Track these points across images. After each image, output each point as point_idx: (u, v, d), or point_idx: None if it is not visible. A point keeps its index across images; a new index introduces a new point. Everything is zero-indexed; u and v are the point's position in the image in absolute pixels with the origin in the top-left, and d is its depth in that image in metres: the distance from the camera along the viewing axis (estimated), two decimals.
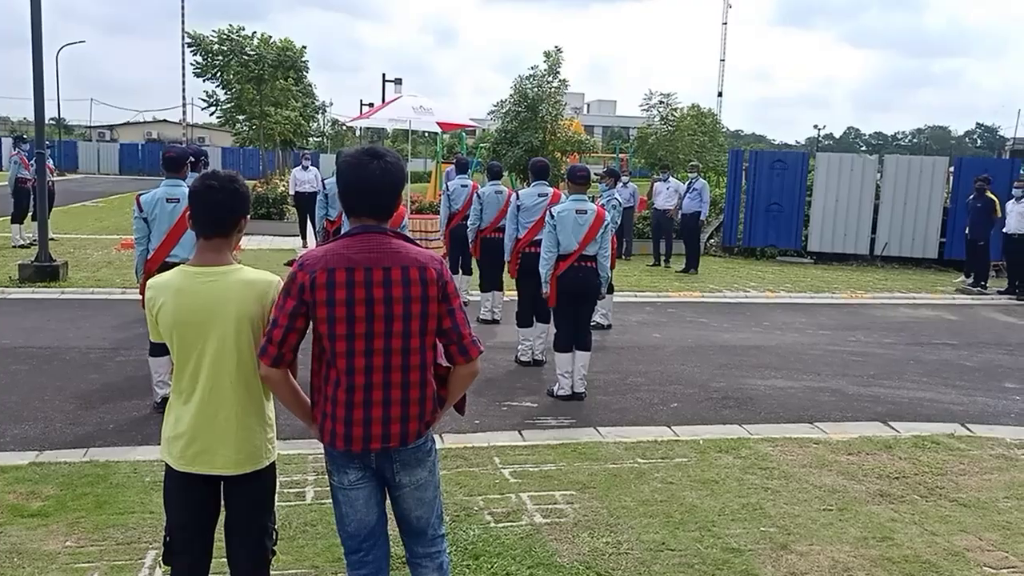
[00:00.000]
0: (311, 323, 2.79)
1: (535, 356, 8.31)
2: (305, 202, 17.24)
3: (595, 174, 13.26)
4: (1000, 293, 14.34)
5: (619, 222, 12.77)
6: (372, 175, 2.80)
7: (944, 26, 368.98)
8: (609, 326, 9.97)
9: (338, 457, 2.90)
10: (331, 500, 3.02)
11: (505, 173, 13.19)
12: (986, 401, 7.70)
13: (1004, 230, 14.24)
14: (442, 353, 2.94)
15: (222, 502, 3.08)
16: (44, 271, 11.78)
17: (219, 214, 2.93)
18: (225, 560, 3.10)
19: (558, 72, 19.40)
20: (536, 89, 19.03)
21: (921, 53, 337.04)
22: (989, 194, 14.55)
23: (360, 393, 2.79)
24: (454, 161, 13.60)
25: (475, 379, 3.06)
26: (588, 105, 71.42)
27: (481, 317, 9.93)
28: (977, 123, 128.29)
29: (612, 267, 8.40)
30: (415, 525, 3.00)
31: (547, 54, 19.40)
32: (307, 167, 17.58)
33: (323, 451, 2.99)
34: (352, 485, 2.91)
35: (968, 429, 6.74)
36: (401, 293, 2.76)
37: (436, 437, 3.96)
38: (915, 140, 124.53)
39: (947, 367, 9.02)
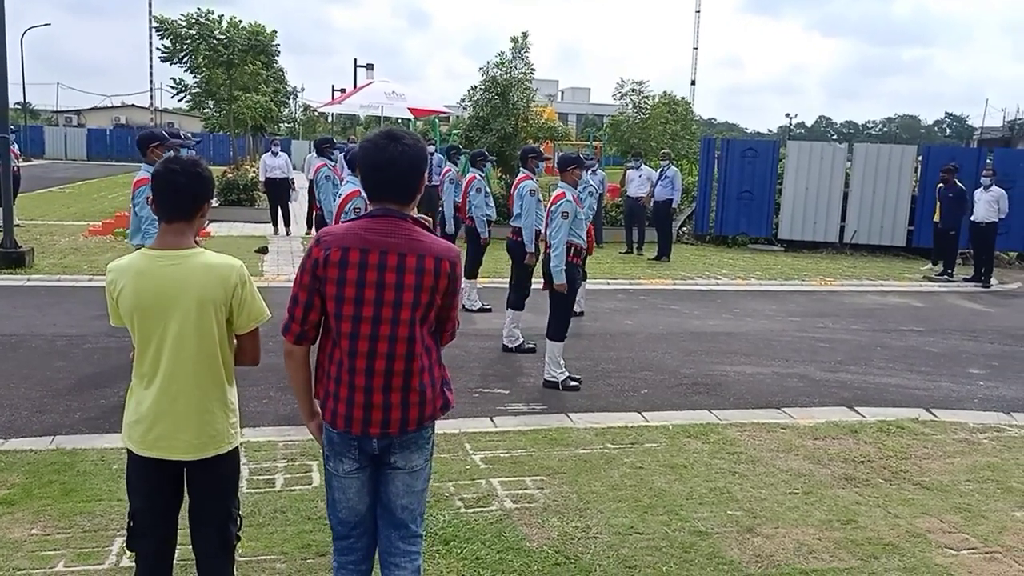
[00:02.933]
0: (322, 299, 2.78)
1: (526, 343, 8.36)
2: (275, 188, 17.13)
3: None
4: (966, 280, 14.57)
5: (595, 208, 12.84)
6: (391, 157, 2.76)
7: (911, 14, 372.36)
8: (582, 313, 10.02)
9: (338, 443, 2.86)
10: (325, 484, 3.00)
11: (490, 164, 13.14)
12: (950, 386, 7.83)
13: (971, 218, 14.45)
14: None
15: (185, 487, 3.06)
16: (10, 257, 11.60)
17: (181, 198, 2.90)
18: (190, 547, 3.09)
19: (526, 58, 19.34)
20: (505, 75, 18.95)
21: (889, 41, 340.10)
22: (959, 183, 14.75)
23: (362, 377, 2.77)
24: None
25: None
26: (562, 92, 71.35)
27: (468, 307, 9.90)
28: (946, 112, 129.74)
29: (590, 254, 8.41)
30: (399, 515, 2.94)
31: (514, 39, 19.32)
32: (276, 153, 17.43)
33: (303, 436, 2.98)
34: (347, 474, 2.89)
35: (932, 414, 6.86)
36: (413, 281, 2.74)
37: None
38: (885, 129, 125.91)
39: (913, 353, 9.16)
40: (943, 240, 15.07)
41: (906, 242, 17.81)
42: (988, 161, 16.76)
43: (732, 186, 18.30)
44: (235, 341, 3.04)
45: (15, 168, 13.77)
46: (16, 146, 14.54)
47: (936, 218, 15.20)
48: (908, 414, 6.77)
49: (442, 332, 2.95)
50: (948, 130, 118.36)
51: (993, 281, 14.50)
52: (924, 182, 17.60)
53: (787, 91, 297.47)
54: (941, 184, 14.97)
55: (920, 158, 18.50)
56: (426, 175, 2.93)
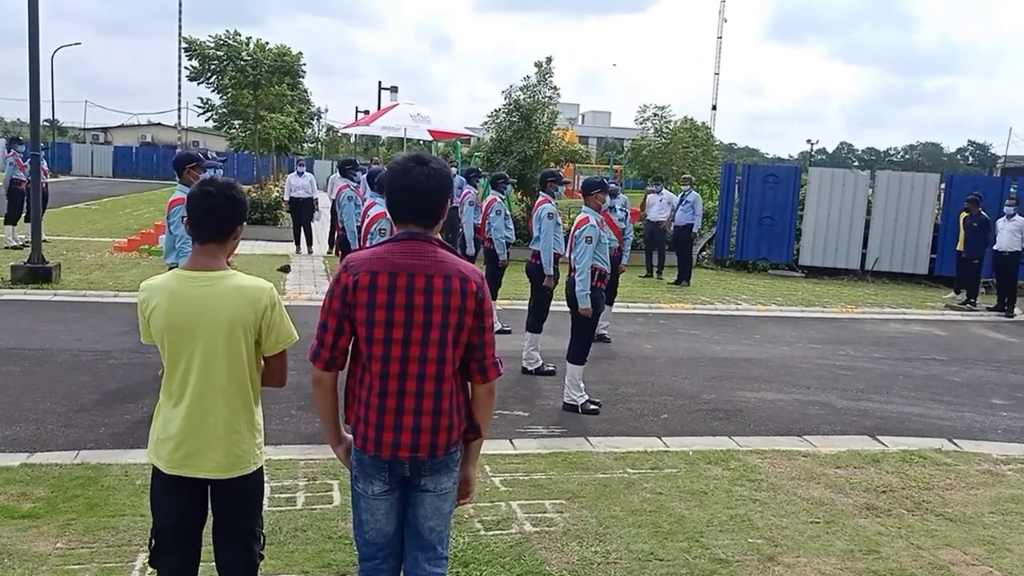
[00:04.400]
0: (351, 324, 2.80)
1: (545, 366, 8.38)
2: (299, 208, 17.28)
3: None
4: (989, 310, 14.44)
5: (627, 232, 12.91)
6: (417, 181, 2.78)
7: (935, 44, 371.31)
8: (609, 340, 10.00)
9: (368, 465, 2.87)
10: (352, 505, 3.00)
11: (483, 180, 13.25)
12: (973, 417, 7.75)
13: (995, 247, 14.35)
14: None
15: (209, 506, 3.10)
16: (37, 273, 11.76)
17: (215, 220, 2.95)
18: (214, 564, 3.12)
19: (550, 82, 19.50)
20: (529, 99, 19.11)
21: (912, 71, 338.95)
22: (983, 212, 14.66)
23: (393, 399, 2.79)
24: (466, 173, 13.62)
25: (494, 400, 3.03)
26: (583, 116, 71.65)
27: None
28: (969, 140, 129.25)
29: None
30: (426, 537, 2.94)
31: (538, 64, 19.51)
32: (302, 173, 17.62)
33: (324, 454, 3.00)
34: (376, 496, 2.89)
35: (955, 444, 6.80)
36: (441, 302, 2.75)
37: None
38: (907, 156, 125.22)
39: (935, 382, 9.08)
40: (966, 269, 14.97)
41: (928, 270, 17.69)
42: (1012, 190, 16.63)
43: (753, 211, 18.27)
44: (263, 362, 3.08)
45: (43, 184, 13.99)
46: (44, 163, 14.77)
47: (959, 246, 15.11)
48: (931, 444, 6.71)
49: (484, 360, 2.89)
50: (971, 158, 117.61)
51: (1016, 311, 14.35)
52: (947, 210, 17.50)
53: (809, 118, 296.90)
54: (965, 213, 14.89)
55: (943, 186, 18.41)
56: (450, 198, 2.96)
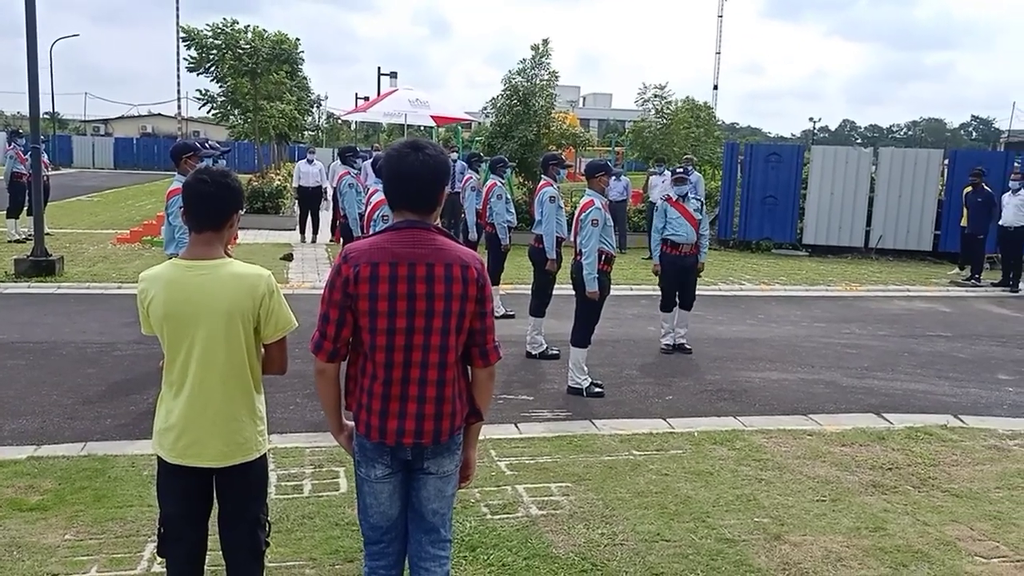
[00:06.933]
0: (354, 315, 2.79)
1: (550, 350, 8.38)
2: (308, 196, 17.20)
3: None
4: (994, 285, 14.40)
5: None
6: (412, 168, 2.77)
7: (934, 18, 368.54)
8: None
9: (370, 450, 2.88)
10: (356, 490, 3.02)
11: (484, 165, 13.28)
12: (979, 392, 7.74)
13: (1000, 222, 14.29)
14: None
15: (214, 494, 3.11)
16: (40, 266, 11.78)
17: (210, 209, 2.95)
18: (220, 552, 3.13)
19: (548, 65, 19.39)
20: (527, 83, 19.01)
21: (912, 46, 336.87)
22: (987, 187, 14.59)
23: (397, 387, 2.80)
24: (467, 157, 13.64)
25: (494, 383, 3.05)
26: (584, 98, 71.38)
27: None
28: (972, 115, 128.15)
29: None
30: (429, 520, 2.96)
31: (534, 47, 19.39)
32: (312, 160, 17.54)
33: (330, 442, 3.01)
34: (379, 479, 2.90)
35: (961, 420, 6.79)
36: (443, 290, 2.75)
37: None
38: (910, 133, 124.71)
39: (941, 359, 9.07)
40: (970, 244, 14.91)
41: (932, 247, 17.65)
42: (1016, 164, 16.54)
43: (756, 191, 18.21)
44: (263, 350, 3.08)
45: (45, 177, 13.98)
46: (45, 155, 14.77)
47: (963, 222, 15.05)
48: (936, 420, 6.71)
49: (485, 344, 2.91)
50: (974, 133, 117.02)
51: (1021, 286, 14.31)
52: (950, 186, 17.43)
53: (809, 96, 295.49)
54: (969, 188, 14.82)
55: (946, 162, 18.33)
56: (447, 185, 2.95)
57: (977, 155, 20.80)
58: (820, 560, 4.26)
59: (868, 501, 5.03)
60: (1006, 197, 14.27)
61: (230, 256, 3.04)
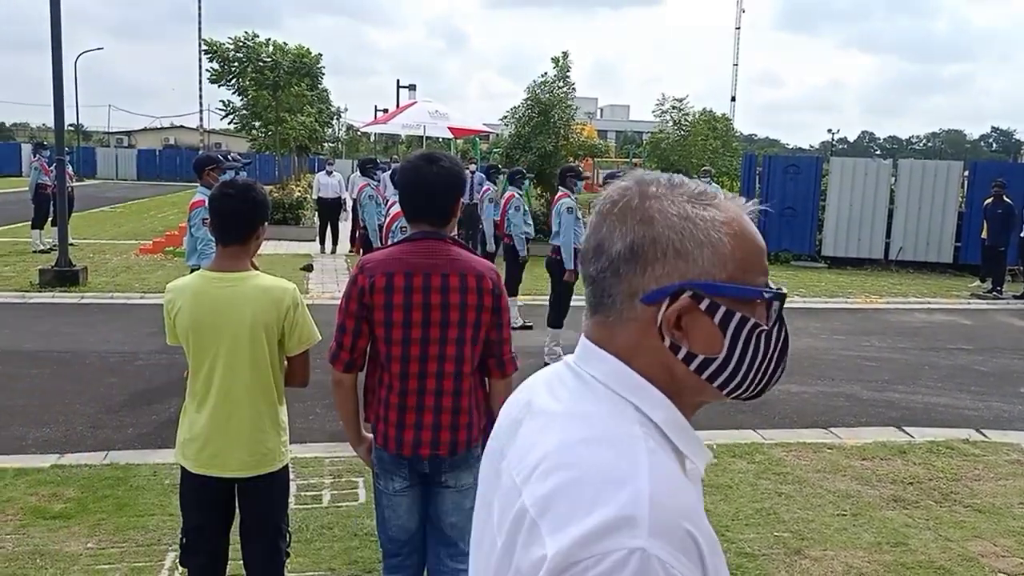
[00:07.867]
0: (370, 326, 2.82)
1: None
2: (327, 207, 17.31)
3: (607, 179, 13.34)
4: (1015, 298, 14.26)
5: None
6: (427, 179, 2.81)
7: (951, 30, 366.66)
8: None
9: (388, 462, 2.90)
10: (375, 503, 3.03)
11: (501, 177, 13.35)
12: (1001, 406, 7.67)
13: (1020, 235, 14.17)
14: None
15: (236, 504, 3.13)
16: (64, 276, 11.90)
17: (236, 222, 2.99)
18: (242, 562, 3.16)
19: (568, 77, 19.50)
20: (548, 95, 19.11)
21: (929, 58, 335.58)
22: (1007, 199, 14.48)
23: (413, 398, 2.82)
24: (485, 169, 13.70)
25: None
26: (601, 110, 71.41)
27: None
28: (992, 127, 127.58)
29: None
30: (448, 533, 2.96)
31: (555, 60, 19.52)
32: (331, 172, 17.67)
33: (350, 452, 3.03)
34: (397, 492, 2.92)
35: (983, 434, 6.73)
36: (458, 300, 2.77)
37: None
38: (930, 144, 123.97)
39: (962, 372, 8.99)
40: (991, 257, 14.78)
41: (953, 259, 17.50)
42: None
43: (774, 202, 18.13)
44: (286, 362, 3.11)
45: (69, 188, 14.15)
46: (70, 167, 14.94)
47: (984, 234, 14.94)
48: (958, 435, 6.65)
49: (502, 355, 2.93)
50: (995, 144, 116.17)
51: None
52: (971, 198, 17.29)
53: (826, 108, 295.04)
54: (989, 200, 14.71)
55: (967, 173, 18.19)
56: (463, 196, 2.98)
57: (998, 167, 20.61)
58: (841, 575, 4.23)
59: (889, 516, 4.99)
60: None
61: (256, 268, 3.07)
